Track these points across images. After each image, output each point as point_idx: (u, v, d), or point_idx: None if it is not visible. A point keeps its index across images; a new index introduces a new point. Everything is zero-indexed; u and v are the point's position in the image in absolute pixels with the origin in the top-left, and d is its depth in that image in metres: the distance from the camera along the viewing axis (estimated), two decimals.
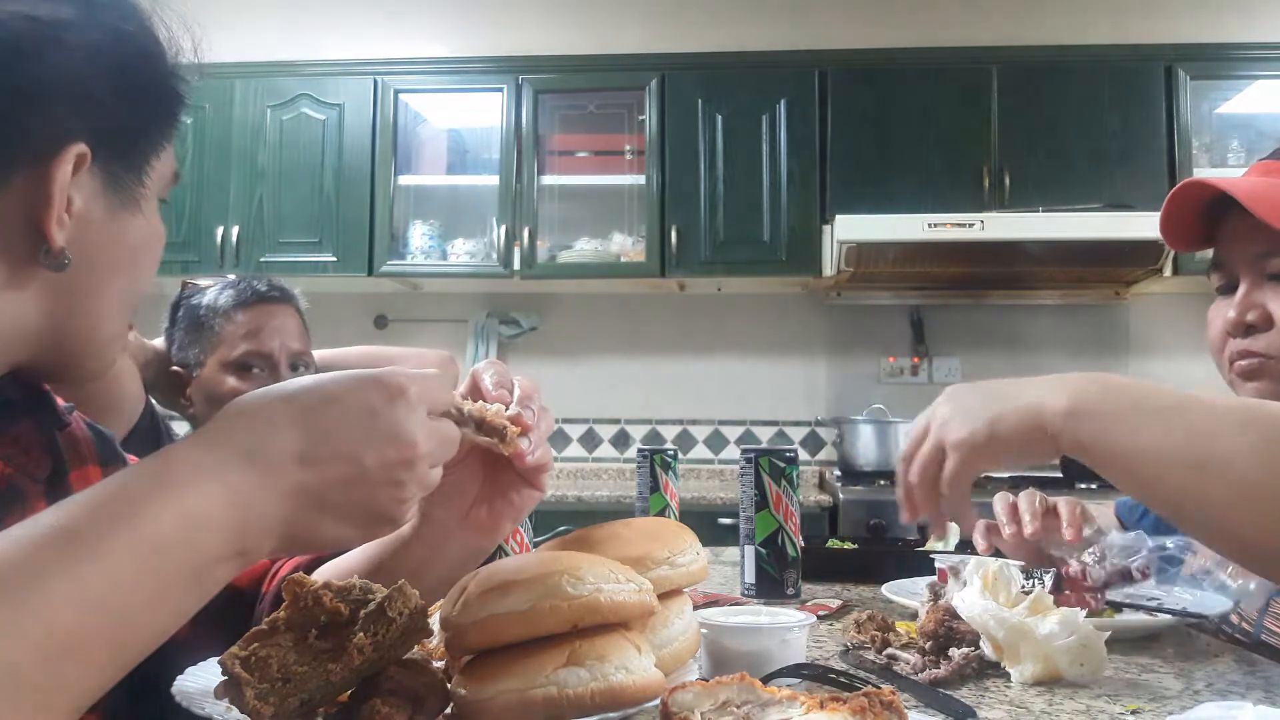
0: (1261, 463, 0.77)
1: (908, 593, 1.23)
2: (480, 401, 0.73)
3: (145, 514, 0.50)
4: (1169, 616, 1.10)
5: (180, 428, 1.89)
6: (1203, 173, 3.33)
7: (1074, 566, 1.14)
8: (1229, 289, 1.13)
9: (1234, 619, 1.12)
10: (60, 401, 0.76)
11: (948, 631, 0.92)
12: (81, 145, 0.62)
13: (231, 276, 1.80)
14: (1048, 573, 1.14)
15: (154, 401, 1.70)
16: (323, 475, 0.56)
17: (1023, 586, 0.89)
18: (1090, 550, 1.13)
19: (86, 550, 0.48)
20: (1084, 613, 0.86)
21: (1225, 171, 3.37)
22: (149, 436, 1.58)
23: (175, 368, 1.75)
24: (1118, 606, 1.12)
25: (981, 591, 0.87)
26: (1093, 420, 0.83)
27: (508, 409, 0.72)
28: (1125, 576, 1.12)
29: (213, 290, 1.75)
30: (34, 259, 0.63)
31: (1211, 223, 1.14)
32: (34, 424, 0.72)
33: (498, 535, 0.79)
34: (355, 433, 0.58)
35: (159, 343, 1.78)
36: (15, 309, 0.64)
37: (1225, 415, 0.81)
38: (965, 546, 1.32)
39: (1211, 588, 1.19)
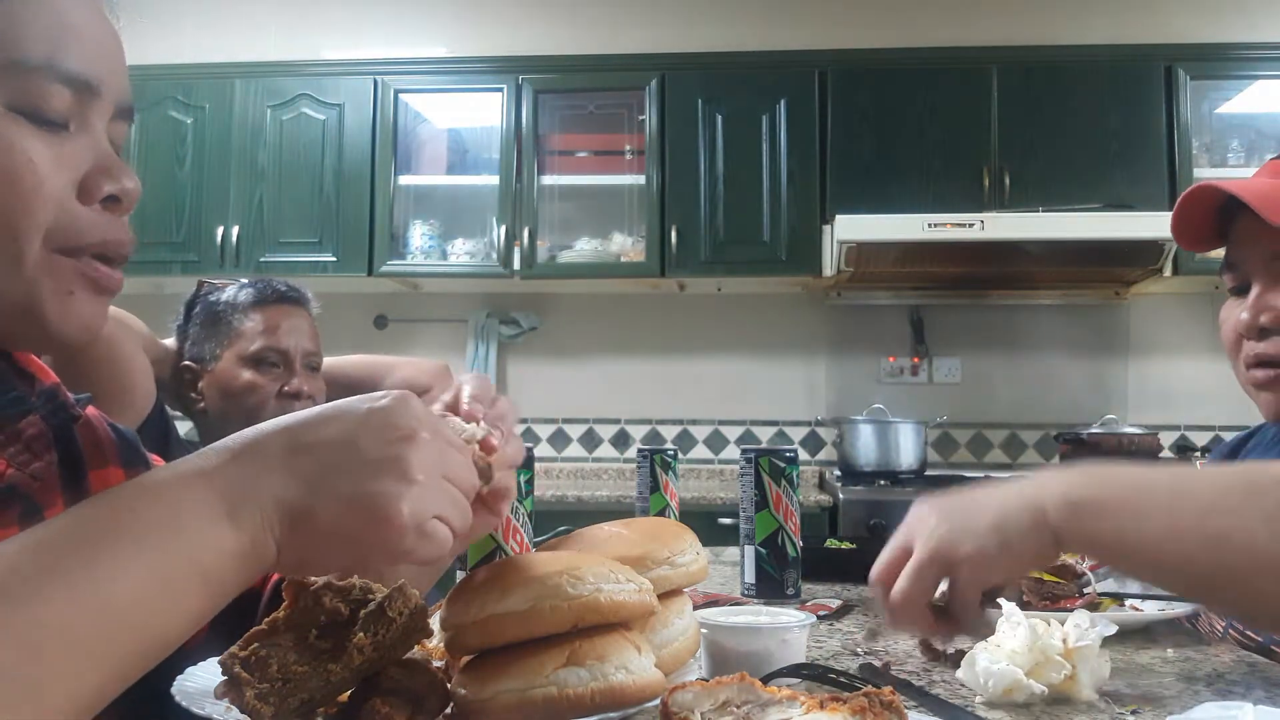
0: (1261, 530, 0.75)
1: None
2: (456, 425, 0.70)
3: (137, 515, 0.50)
4: (1179, 607, 1.10)
5: (183, 427, 1.91)
6: (1203, 173, 3.33)
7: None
8: (1241, 290, 1.13)
9: None
10: (70, 395, 0.76)
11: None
12: None
13: (244, 279, 1.86)
14: None
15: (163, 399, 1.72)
16: (312, 457, 0.54)
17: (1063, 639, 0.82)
18: None
19: (88, 552, 0.47)
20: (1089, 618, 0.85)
21: (1225, 171, 3.37)
22: (157, 432, 1.61)
23: (187, 362, 1.80)
24: (1117, 598, 1.12)
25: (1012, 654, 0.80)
26: (1096, 511, 0.79)
27: (479, 425, 0.67)
28: None
29: (232, 288, 1.84)
30: None
31: (1224, 222, 1.14)
32: (40, 418, 0.71)
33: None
34: (348, 420, 0.56)
35: (168, 342, 1.83)
36: None
37: (1229, 487, 0.79)
38: None
39: None
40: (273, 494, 0.53)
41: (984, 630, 0.84)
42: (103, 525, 0.49)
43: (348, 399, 0.58)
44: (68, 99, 0.62)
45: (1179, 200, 1.14)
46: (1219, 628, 1.15)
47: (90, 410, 0.79)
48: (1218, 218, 1.14)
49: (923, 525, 0.84)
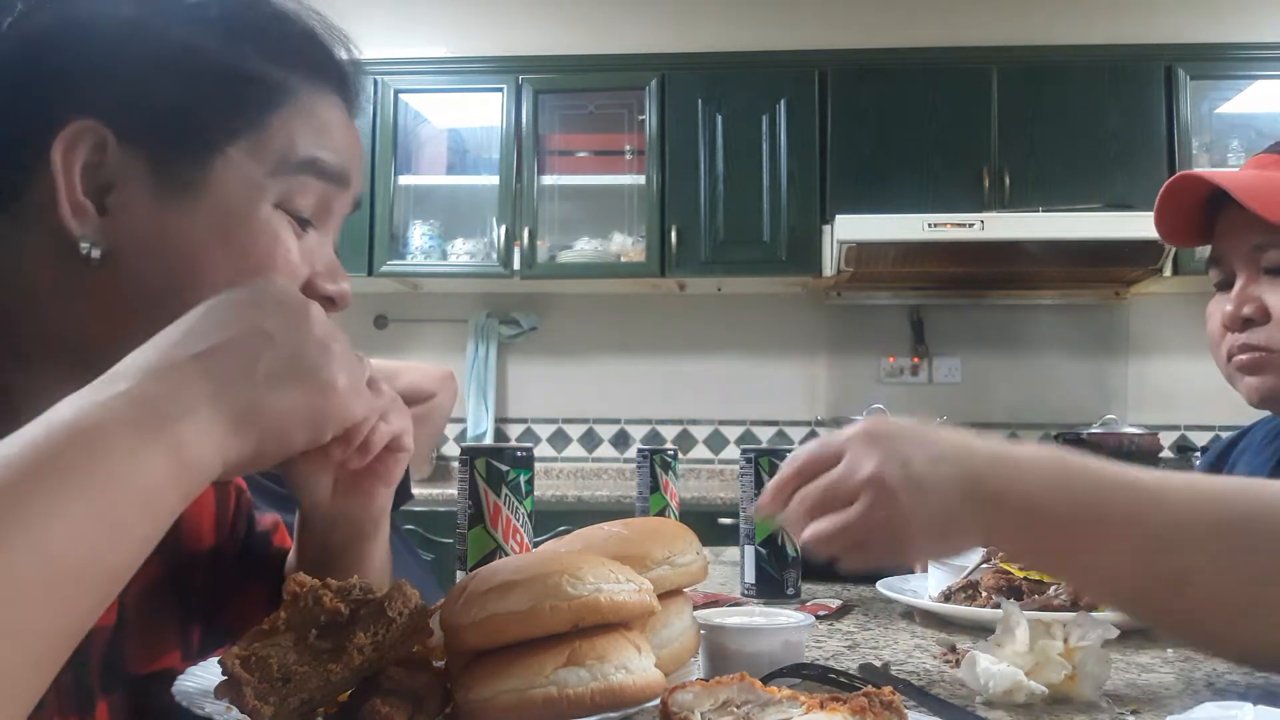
0: (1221, 574, 0.70)
1: (901, 589, 1.23)
2: None
3: (65, 453, 0.47)
4: None
5: None
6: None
7: None
8: (1227, 284, 1.13)
9: None
10: None
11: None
12: (88, 122, 0.60)
13: None
14: None
15: None
16: (232, 354, 0.54)
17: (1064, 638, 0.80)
18: None
19: (16, 499, 0.44)
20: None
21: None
22: None
23: None
24: None
25: (1015, 655, 0.79)
26: (1032, 532, 0.74)
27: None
28: None
29: None
30: (76, 256, 0.61)
31: (1209, 217, 1.15)
32: None
33: (374, 499, 0.74)
34: (242, 311, 0.56)
35: None
36: (75, 319, 0.63)
37: (1191, 521, 0.71)
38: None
39: None
40: (206, 403, 0.52)
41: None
42: (34, 468, 0.46)
43: (216, 297, 0.57)
44: (319, 194, 0.68)
45: (1161, 192, 1.14)
46: None
47: None
48: (1203, 211, 1.15)
49: (860, 448, 0.75)
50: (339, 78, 0.73)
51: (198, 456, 0.51)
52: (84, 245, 0.60)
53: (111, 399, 0.50)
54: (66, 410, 0.49)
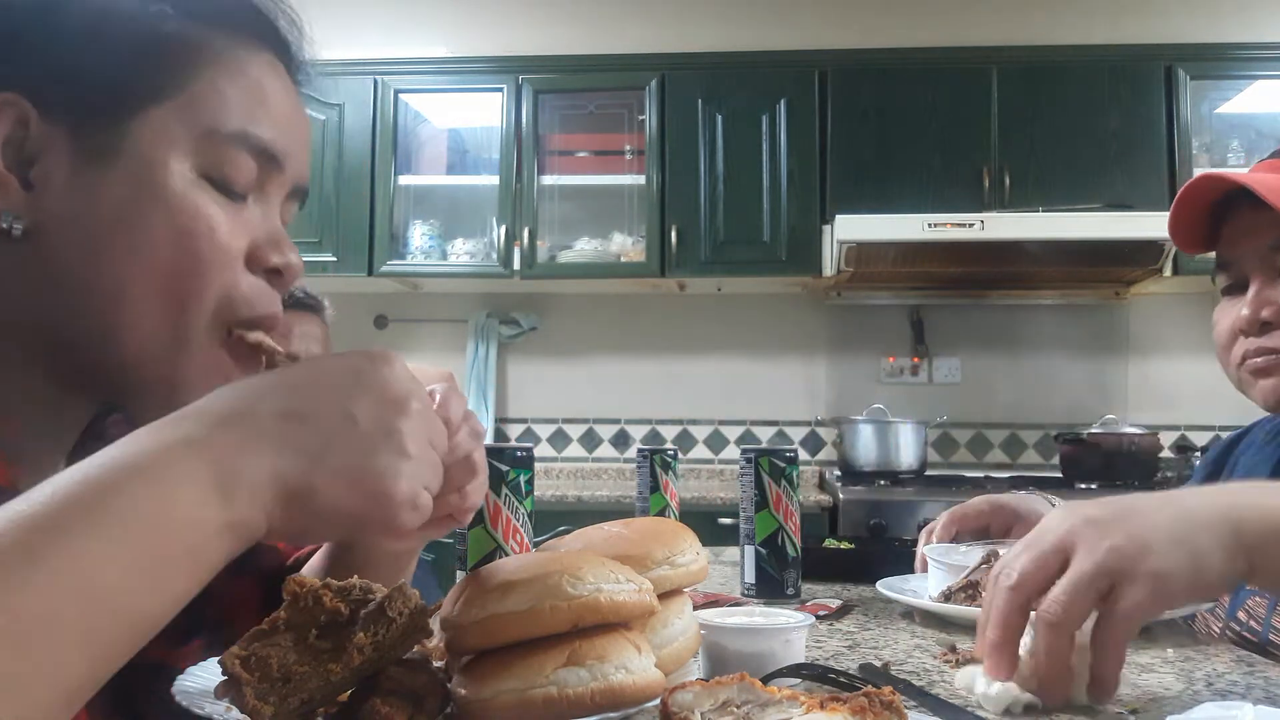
0: None
1: (901, 589, 1.23)
2: None
3: (123, 493, 0.46)
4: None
5: None
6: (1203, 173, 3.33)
7: None
8: (1236, 289, 1.13)
9: (1241, 616, 1.12)
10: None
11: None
12: (8, 95, 0.60)
13: None
14: None
15: None
16: (309, 429, 0.53)
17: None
18: None
19: (73, 537, 0.44)
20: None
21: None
22: None
23: None
24: None
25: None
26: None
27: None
28: None
29: None
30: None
31: (1215, 223, 1.14)
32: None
33: (401, 540, 0.76)
34: (341, 387, 0.55)
35: None
36: (5, 295, 0.62)
37: None
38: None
39: None
40: (269, 471, 0.51)
41: (1109, 689, 0.73)
42: (87, 506, 0.45)
43: (335, 356, 0.57)
44: (253, 171, 0.65)
45: (1178, 195, 1.13)
46: (1216, 628, 1.15)
47: None
48: (1210, 217, 1.14)
49: (1084, 532, 0.71)
50: (273, 37, 0.69)
51: (247, 519, 0.51)
52: (4, 220, 0.60)
53: (177, 444, 0.49)
54: (130, 449, 0.48)
